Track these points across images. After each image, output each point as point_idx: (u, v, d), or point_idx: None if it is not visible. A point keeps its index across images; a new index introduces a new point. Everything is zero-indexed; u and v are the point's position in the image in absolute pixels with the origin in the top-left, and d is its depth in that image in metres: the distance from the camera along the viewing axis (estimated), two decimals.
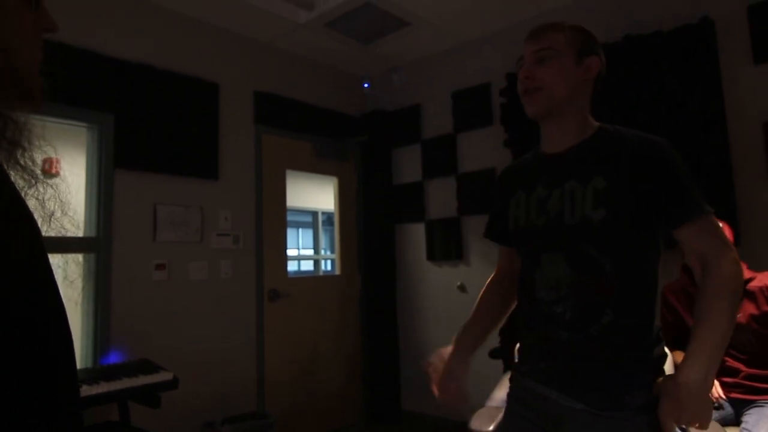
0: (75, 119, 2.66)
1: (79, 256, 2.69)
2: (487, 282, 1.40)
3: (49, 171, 3.54)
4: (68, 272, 2.63)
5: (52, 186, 0.59)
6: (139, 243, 2.79)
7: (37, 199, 0.57)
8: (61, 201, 0.60)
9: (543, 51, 1.14)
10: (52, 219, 0.59)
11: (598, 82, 1.18)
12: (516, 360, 1.29)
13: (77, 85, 2.60)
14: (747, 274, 2.05)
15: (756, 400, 1.94)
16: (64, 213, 0.60)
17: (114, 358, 2.60)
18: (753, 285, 2.01)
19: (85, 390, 2.07)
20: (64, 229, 0.61)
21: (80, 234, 2.68)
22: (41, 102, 0.61)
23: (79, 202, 2.73)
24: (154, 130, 2.88)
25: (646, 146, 1.07)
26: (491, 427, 1.81)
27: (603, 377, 1.05)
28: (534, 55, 1.16)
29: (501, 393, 2.07)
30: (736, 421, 1.97)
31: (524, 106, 1.19)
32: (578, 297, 1.08)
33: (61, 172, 3.55)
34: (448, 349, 1.32)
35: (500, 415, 1.91)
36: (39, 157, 0.58)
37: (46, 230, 0.58)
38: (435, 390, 1.31)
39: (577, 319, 1.08)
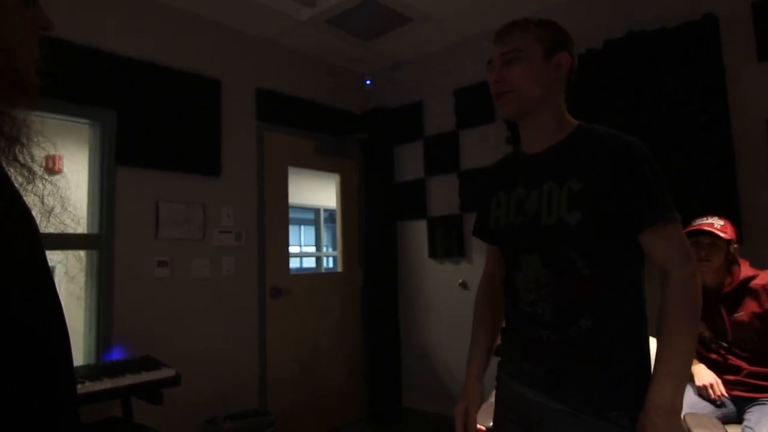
0: (77, 116, 2.66)
1: (82, 253, 2.69)
2: (478, 286, 1.39)
3: (52, 168, 3.56)
4: (70, 269, 2.64)
5: (51, 182, 0.59)
6: (142, 240, 2.80)
7: (36, 195, 0.58)
8: (61, 197, 0.60)
9: (510, 53, 1.14)
10: (52, 215, 0.59)
11: (572, 77, 1.17)
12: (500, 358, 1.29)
13: (79, 81, 2.60)
14: (750, 271, 2.04)
15: (758, 397, 1.94)
16: (63, 209, 0.60)
17: (117, 354, 2.61)
18: (756, 283, 2.00)
19: (88, 386, 2.08)
20: (64, 224, 0.61)
21: (81, 231, 2.69)
22: (38, 99, 0.61)
23: (81, 198, 2.74)
24: (156, 127, 2.89)
25: (620, 146, 1.06)
26: (491, 423, 1.81)
27: (586, 380, 1.05)
28: (501, 57, 1.15)
29: None
30: (738, 419, 1.97)
31: (498, 108, 1.19)
32: (556, 299, 1.08)
33: (64, 169, 3.57)
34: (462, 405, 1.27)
35: None
36: (38, 154, 0.58)
37: (46, 226, 0.58)
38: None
39: (557, 320, 1.08)
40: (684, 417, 1.47)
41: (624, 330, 1.05)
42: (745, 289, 2.01)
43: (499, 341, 1.34)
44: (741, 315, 2.00)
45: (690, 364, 1.02)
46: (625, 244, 1.06)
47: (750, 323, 1.98)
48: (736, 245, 2.08)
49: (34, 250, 0.55)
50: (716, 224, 2.06)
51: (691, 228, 2.07)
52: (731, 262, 2.08)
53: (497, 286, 1.35)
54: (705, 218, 2.11)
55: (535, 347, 1.11)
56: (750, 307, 1.99)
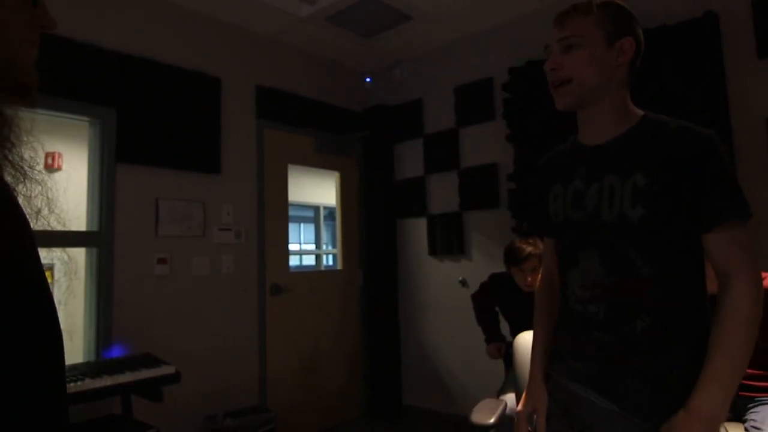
0: (77, 113, 2.66)
1: (82, 251, 2.70)
2: (537, 285, 1.34)
3: (52, 165, 3.56)
4: (70, 267, 2.64)
5: (40, 183, 0.59)
6: (141, 237, 2.80)
7: (24, 195, 0.57)
8: (48, 198, 0.59)
9: (569, 38, 1.05)
10: (39, 216, 0.59)
11: (636, 63, 1.10)
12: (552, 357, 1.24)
13: (79, 79, 2.60)
14: None
15: (757, 397, 1.93)
16: (51, 211, 0.60)
17: (116, 352, 2.61)
18: None
19: (88, 383, 2.08)
20: (49, 226, 0.61)
21: (75, 228, 2.69)
22: (36, 99, 0.61)
23: (81, 196, 2.74)
24: (156, 125, 2.88)
25: (691, 140, 0.98)
26: (492, 420, 1.81)
27: (637, 382, 1.00)
28: (560, 43, 1.07)
29: (512, 394, 2.06)
30: (737, 418, 1.96)
31: (554, 98, 1.11)
32: (612, 298, 1.03)
33: (63, 167, 3.57)
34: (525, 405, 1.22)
35: (500, 409, 1.92)
36: (28, 154, 0.58)
37: (33, 227, 0.58)
38: None
39: (611, 320, 1.03)
40: None
41: (681, 335, 1.00)
42: None
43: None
44: None
45: (742, 374, 0.94)
46: (688, 244, 1.00)
47: None
48: None
49: (27, 251, 0.55)
50: None
51: None
52: None
53: (556, 285, 1.27)
54: None
55: (586, 347, 1.07)
56: None
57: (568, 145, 1.21)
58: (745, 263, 0.96)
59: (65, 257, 2.66)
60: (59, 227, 0.63)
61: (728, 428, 1.82)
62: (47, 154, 3.46)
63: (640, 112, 1.10)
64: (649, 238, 0.99)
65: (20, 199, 0.57)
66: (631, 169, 1.01)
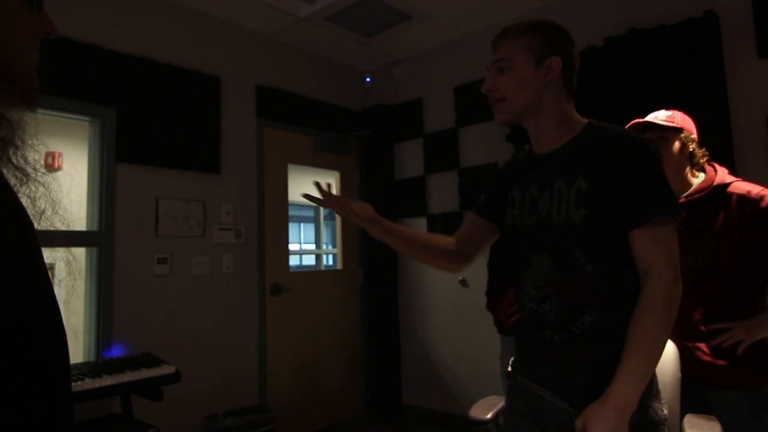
0: (77, 113, 2.66)
1: (77, 252, 2.70)
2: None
3: (52, 165, 3.56)
4: (63, 268, 2.64)
5: (43, 184, 0.59)
6: (141, 237, 2.80)
7: (28, 197, 0.58)
8: (53, 200, 0.60)
9: (501, 61, 1.16)
10: (43, 217, 0.59)
11: (572, 78, 1.17)
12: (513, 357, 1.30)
13: (79, 78, 2.60)
14: (727, 178, 1.71)
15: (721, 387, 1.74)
16: (54, 211, 0.60)
17: (117, 351, 2.61)
18: (732, 190, 1.66)
19: (88, 383, 2.08)
20: (53, 227, 0.61)
21: (77, 229, 2.69)
22: (38, 102, 0.61)
23: (81, 196, 2.74)
24: (156, 124, 2.88)
25: (626, 144, 1.07)
26: (489, 416, 1.82)
27: (591, 383, 1.06)
28: (494, 65, 1.18)
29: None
30: (696, 406, 1.71)
31: (494, 114, 1.22)
32: (561, 296, 1.10)
33: (63, 166, 3.57)
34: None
35: (500, 404, 1.92)
36: (32, 156, 0.59)
37: (36, 228, 0.58)
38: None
39: (561, 318, 1.10)
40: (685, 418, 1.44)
41: (623, 328, 1.06)
42: (719, 195, 1.62)
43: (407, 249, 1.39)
44: (708, 224, 1.62)
45: (654, 366, 1.03)
46: (625, 242, 1.07)
47: (719, 235, 1.59)
48: (694, 137, 1.70)
49: (32, 251, 0.55)
50: (661, 116, 1.70)
51: (631, 124, 1.71)
52: (694, 163, 1.70)
53: (452, 241, 1.36)
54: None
55: (543, 347, 1.14)
56: (721, 217, 1.60)
57: (523, 154, 1.30)
58: (662, 260, 1.04)
59: (71, 257, 2.66)
60: (63, 228, 0.63)
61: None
62: (47, 154, 3.46)
63: (584, 121, 1.18)
64: (590, 237, 1.07)
65: (24, 201, 0.57)
66: (574, 175, 1.10)
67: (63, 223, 0.62)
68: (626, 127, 1.34)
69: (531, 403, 1.17)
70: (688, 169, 1.71)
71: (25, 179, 0.57)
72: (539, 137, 1.20)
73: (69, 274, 2.62)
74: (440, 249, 1.36)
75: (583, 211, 1.06)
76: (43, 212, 0.59)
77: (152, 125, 2.87)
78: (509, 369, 1.32)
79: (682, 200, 1.66)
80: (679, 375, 1.35)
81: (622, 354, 1.02)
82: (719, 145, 2.48)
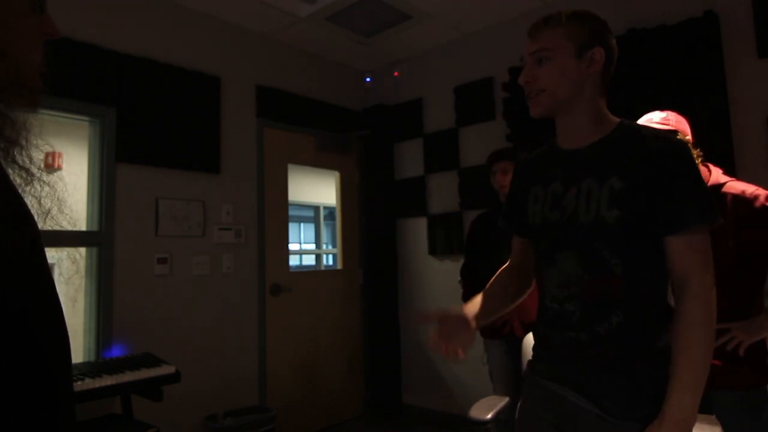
0: (77, 113, 2.66)
1: (82, 250, 2.70)
2: (497, 272, 1.38)
3: (52, 165, 3.56)
4: (70, 266, 2.64)
5: (49, 184, 0.60)
6: (141, 237, 2.80)
7: (33, 196, 0.58)
8: (58, 199, 0.60)
9: (540, 52, 1.11)
10: (48, 216, 0.59)
11: (609, 71, 1.13)
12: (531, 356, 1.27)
13: (79, 78, 2.60)
14: (721, 178, 1.71)
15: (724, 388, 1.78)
16: (60, 210, 0.61)
17: (117, 351, 2.61)
18: (726, 190, 1.65)
19: (88, 383, 2.08)
20: (60, 226, 0.61)
21: (82, 228, 2.69)
22: (41, 102, 0.62)
23: (81, 196, 2.74)
24: (156, 124, 2.88)
25: (665, 148, 1.03)
26: (489, 416, 1.82)
27: (613, 383, 1.04)
28: (532, 56, 1.12)
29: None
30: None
31: (529, 107, 1.16)
32: (587, 296, 1.07)
33: (63, 166, 3.57)
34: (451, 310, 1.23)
35: (499, 405, 1.93)
36: (37, 156, 0.59)
37: (42, 227, 0.59)
38: (436, 336, 1.19)
39: (586, 318, 1.07)
40: None
41: (652, 330, 1.05)
42: (714, 196, 1.54)
43: (496, 315, 1.31)
44: None
45: (706, 375, 1.00)
46: (656, 246, 1.05)
47: (715, 236, 1.52)
48: (689, 138, 1.70)
49: (34, 250, 0.56)
50: (656, 117, 1.69)
51: None
52: None
53: (514, 276, 1.32)
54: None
55: (565, 346, 1.11)
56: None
57: (546, 149, 1.25)
58: (700, 266, 1.02)
59: (77, 255, 2.67)
60: (69, 227, 0.64)
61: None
62: (47, 154, 3.46)
63: (617, 119, 1.14)
64: (622, 238, 1.04)
65: (30, 200, 0.57)
66: (607, 174, 1.06)
67: (69, 223, 0.62)
68: None
69: (551, 403, 1.14)
70: None
71: (30, 179, 0.58)
72: (569, 132, 1.15)
73: (77, 272, 2.62)
74: (511, 290, 1.32)
75: (616, 212, 1.03)
76: (48, 211, 0.59)
77: (152, 125, 2.87)
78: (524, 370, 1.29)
79: None
80: None
81: (671, 368, 1.00)
82: (719, 145, 2.48)
